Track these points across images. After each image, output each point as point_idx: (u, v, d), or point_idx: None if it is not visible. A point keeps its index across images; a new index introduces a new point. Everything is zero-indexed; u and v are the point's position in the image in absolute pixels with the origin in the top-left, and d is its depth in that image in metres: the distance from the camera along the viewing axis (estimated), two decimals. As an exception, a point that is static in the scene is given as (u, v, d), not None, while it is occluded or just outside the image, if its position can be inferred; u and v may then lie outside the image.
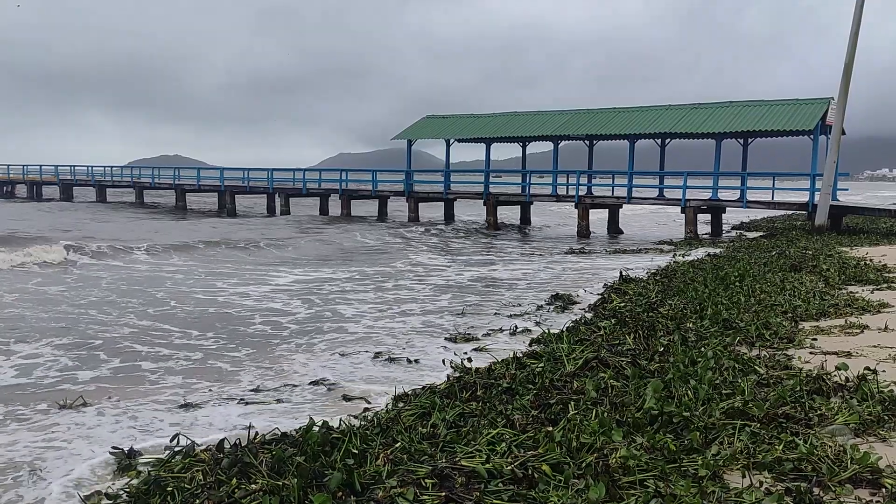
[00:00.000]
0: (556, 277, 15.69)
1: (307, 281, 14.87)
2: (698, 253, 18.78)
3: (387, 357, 8.21)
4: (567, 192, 30.68)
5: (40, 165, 51.66)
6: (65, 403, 6.44)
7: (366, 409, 6.03)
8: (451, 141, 33.14)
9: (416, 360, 7.98)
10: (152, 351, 8.59)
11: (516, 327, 9.54)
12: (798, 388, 5.40)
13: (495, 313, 11.00)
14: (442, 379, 6.62)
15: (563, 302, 11.60)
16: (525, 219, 33.16)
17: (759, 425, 4.66)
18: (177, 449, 4.67)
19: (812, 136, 24.65)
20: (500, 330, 9.55)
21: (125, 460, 4.85)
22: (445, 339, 9.17)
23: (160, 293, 12.94)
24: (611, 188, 31.69)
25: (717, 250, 18.77)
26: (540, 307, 11.33)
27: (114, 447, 5.01)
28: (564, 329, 8.25)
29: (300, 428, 4.80)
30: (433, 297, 12.87)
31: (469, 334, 9.32)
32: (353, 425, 4.91)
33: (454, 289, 14.02)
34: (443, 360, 7.46)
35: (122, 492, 4.20)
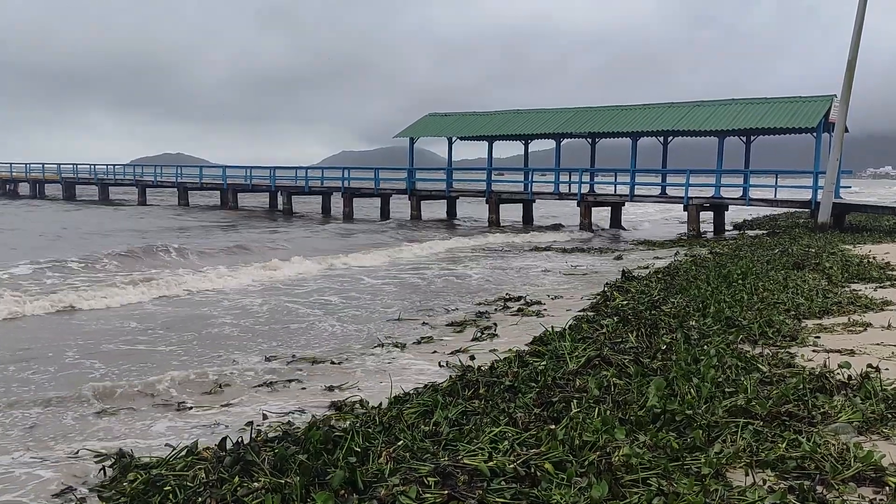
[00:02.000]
0: (523, 275, 15.63)
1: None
2: (675, 251, 18.57)
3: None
4: (570, 190, 30.66)
5: (42, 164, 51.72)
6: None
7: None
8: (454, 139, 33.08)
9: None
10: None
11: (476, 332, 9.34)
12: (801, 386, 5.38)
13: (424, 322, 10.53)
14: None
15: (522, 303, 11.63)
16: (528, 217, 33.13)
17: (761, 423, 4.66)
18: (180, 447, 4.67)
19: (815, 134, 24.58)
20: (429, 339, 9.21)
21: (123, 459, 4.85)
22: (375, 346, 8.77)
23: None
24: (613, 186, 31.68)
25: (704, 250, 18.67)
26: (480, 314, 10.85)
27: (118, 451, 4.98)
28: (567, 327, 8.23)
29: (303, 426, 4.80)
30: (393, 299, 12.58)
31: (400, 342, 8.92)
32: (356, 423, 4.91)
33: (417, 290, 13.77)
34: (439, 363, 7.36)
35: (118, 493, 4.18)
